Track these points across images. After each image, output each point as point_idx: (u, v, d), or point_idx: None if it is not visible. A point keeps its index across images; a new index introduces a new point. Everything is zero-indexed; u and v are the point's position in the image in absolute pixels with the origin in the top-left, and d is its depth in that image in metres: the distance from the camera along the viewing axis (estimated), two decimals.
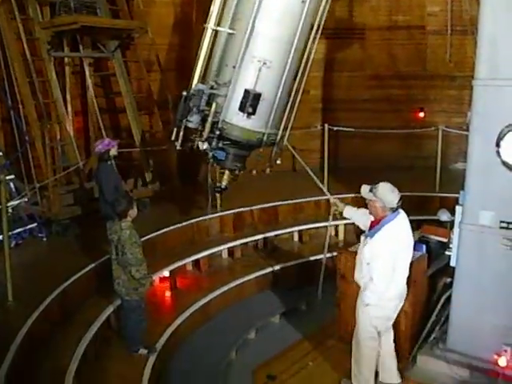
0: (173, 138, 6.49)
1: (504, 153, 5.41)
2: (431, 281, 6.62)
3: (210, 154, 6.47)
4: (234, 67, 6.18)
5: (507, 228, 5.51)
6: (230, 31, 6.25)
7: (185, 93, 6.28)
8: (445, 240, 6.81)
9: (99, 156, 7.69)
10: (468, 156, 5.72)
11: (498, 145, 5.44)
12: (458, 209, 5.96)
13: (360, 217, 5.94)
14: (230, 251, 9.21)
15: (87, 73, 10.41)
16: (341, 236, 10.25)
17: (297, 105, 6.73)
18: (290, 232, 9.96)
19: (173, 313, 7.35)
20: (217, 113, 6.27)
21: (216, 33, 6.35)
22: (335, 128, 11.15)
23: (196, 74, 6.37)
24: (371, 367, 5.77)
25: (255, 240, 9.48)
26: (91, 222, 8.34)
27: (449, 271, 6.23)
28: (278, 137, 6.72)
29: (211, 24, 6.27)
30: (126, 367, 6.00)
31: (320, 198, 9.57)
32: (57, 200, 8.74)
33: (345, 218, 6.46)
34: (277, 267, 8.81)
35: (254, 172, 7.15)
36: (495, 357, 5.63)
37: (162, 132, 10.77)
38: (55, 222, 8.66)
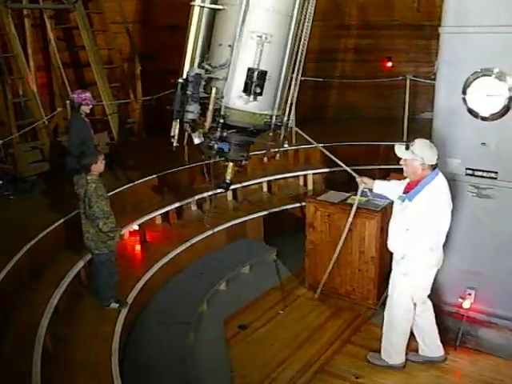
0: (172, 132, 5.86)
1: (470, 100, 5.45)
2: None
3: (216, 147, 5.83)
4: (230, 46, 5.59)
5: (473, 175, 5.61)
6: (221, 7, 5.67)
7: (181, 79, 5.68)
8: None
9: (71, 105, 7.56)
10: (434, 104, 5.76)
11: (464, 92, 5.47)
12: None
13: (392, 189, 5.48)
14: (200, 203, 9.20)
15: (48, 26, 10.03)
16: (310, 186, 10.28)
17: (299, 82, 6.08)
18: (259, 183, 9.94)
19: (143, 266, 7.34)
20: (217, 99, 5.63)
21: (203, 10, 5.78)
22: (302, 78, 11.05)
23: (187, 58, 5.78)
24: (404, 341, 5.52)
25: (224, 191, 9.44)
26: (60, 177, 8.21)
27: None
28: (285, 118, 6.09)
29: (198, 0, 5.68)
30: (97, 321, 6.00)
31: (288, 148, 9.60)
32: (22, 157, 8.57)
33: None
34: (246, 218, 8.83)
35: (266, 159, 6.65)
36: (460, 300, 5.83)
37: (128, 85, 10.56)
38: (21, 179, 8.50)
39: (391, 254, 5.37)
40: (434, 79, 5.81)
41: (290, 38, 5.76)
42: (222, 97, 5.62)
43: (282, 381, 5.47)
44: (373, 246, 6.45)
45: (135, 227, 8.06)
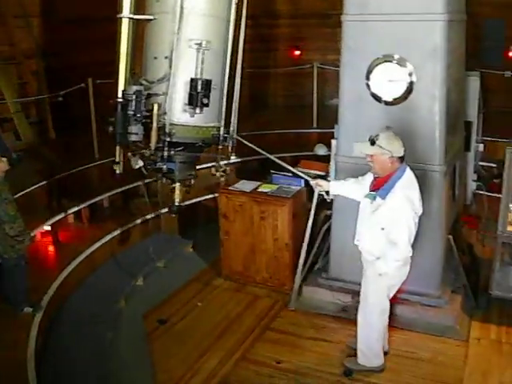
0: (116, 159, 5.25)
1: (373, 85, 5.62)
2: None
3: (165, 168, 5.35)
4: (166, 58, 5.12)
5: None
6: (152, 17, 5.17)
7: (121, 99, 5.04)
8: (323, 173, 6.99)
9: None
10: (340, 90, 5.89)
11: (367, 78, 5.63)
12: (334, 142, 6.16)
13: (353, 188, 5.24)
14: (112, 200, 9.01)
15: None
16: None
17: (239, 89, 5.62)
18: None
19: (57, 267, 7.12)
20: (159, 116, 5.09)
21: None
22: None
23: (121, 76, 5.16)
24: (381, 342, 5.37)
25: (136, 186, 9.29)
26: None
27: (329, 204, 6.42)
28: (232, 128, 5.66)
29: (125, 12, 5.04)
30: (11, 327, 5.78)
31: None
32: None
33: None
34: (160, 212, 8.71)
35: (222, 179, 6.10)
36: None
37: (32, 82, 10.17)
38: None
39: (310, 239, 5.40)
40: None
41: (230, 42, 5.40)
42: (165, 113, 5.11)
43: (205, 371, 5.46)
44: (286, 232, 6.53)
45: (47, 228, 7.81)
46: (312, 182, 5.60)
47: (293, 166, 6.22)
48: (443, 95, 5.53)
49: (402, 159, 4.77)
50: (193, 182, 5.65)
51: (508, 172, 6.07)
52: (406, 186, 4.75)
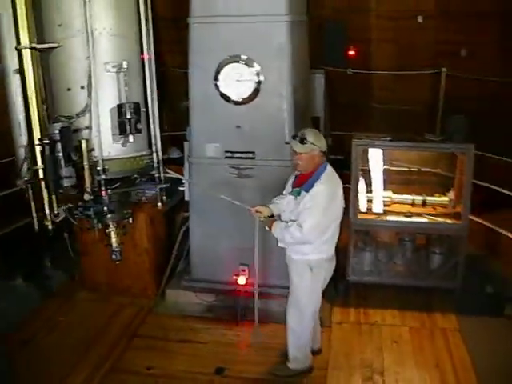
0: (50, 211, 4.66)
1: (222, 86, 5.70)
2: (170, 217, 6.84)
3: (105, 210, 4.91)
4: (83, 88, 4.67)
5: (232, 157, 5.89)
6: (56, 45, 4.64)
7: (47, 140, 4.47)
8: (178, 176, 6.96)
9: None
10: (190, 92, 5.92)
11: (216, 79, 5.70)
12: (186, 144, 6.19)
13: (284, 204, 5.07)
14: None
15: None
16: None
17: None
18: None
19: None
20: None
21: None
22: None
23: (34, 115, 4.59)
24: (309, 341, 5.33)
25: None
26: None
27: (186, 206, 6.47)
28: (159, 153, 5.21)
29: (25, 42, 4.49)
30: None
31: None
32: None
33: None
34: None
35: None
36: (235, 277, 6.10)
37: None
38: None
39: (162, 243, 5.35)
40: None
41: (145, 60, 5.04)
42: (93, 149, 4.69)
43: None
44: (144, 237, 6.47)
45: None
46: (252, 211, 5.13)
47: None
48: (290, 93, 5.71)
49: (325, 154, 4.87)
50: (131, 221, 5.28)
51: (355, 163, 6.43)
52: (330, 179, 4.83)
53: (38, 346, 5.99)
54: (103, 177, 4.72)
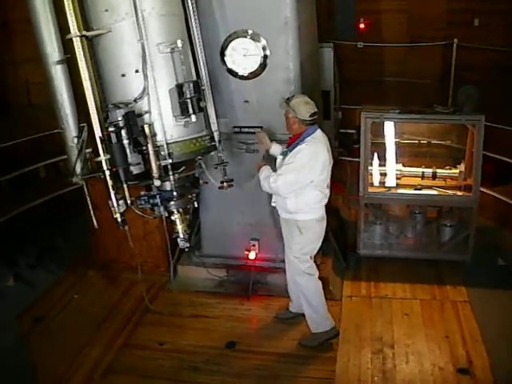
0: (113, 203, 4.64)
1: (229, 61, 5.66)
2: None
3: (175, 196, 4.78)
4: (137, 71, 4.54)
5: (240, 132, 5.88)
6: (106, 31, 4.51)
7: (112, 128, 4.37)
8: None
9: None
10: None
11: (222, 54, 5.66)
12: None
13: (277, 163, 5.27)
14: None
15: None
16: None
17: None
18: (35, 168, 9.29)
19: None
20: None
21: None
22: None
23: (91, 104, 4.46)
24: (324, 300, 5.42)
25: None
26: None
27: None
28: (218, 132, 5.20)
29: (75, 31, 4.38)
30: None
31: None
32: None
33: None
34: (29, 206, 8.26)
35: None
36: (246, 252, 6.14)
37: None
38: None
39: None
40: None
41: (195, 38, 5.02)
42: (155, 134, 4.58)
43: (88, 363, 5.38)
44: None
45: None
46: (257, 134, 5.50)
47: None
48: (297, 67, 5.66)
49: (308, 123, 4.99)
50: (196, 204, 5.14)
51: (364, 136, 6.40)
52: (314, 142, 4.99)
53: (52, 323, 6.07)
54: (170, 161, 4.61)
